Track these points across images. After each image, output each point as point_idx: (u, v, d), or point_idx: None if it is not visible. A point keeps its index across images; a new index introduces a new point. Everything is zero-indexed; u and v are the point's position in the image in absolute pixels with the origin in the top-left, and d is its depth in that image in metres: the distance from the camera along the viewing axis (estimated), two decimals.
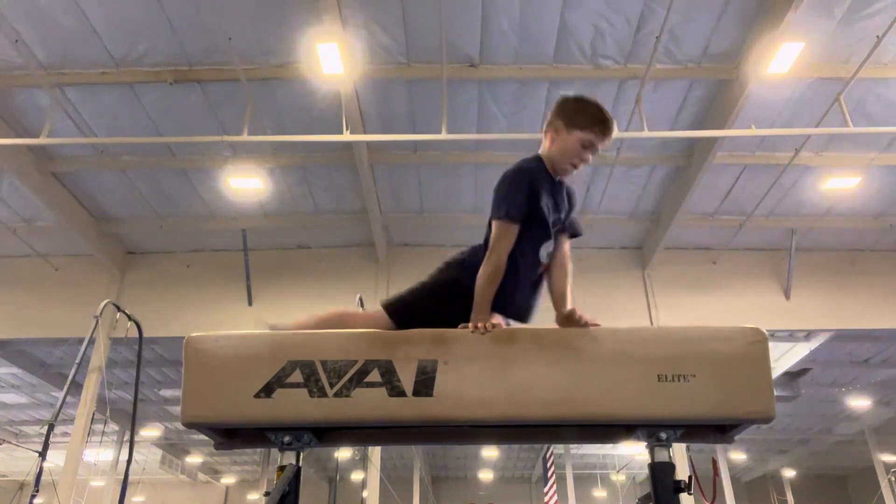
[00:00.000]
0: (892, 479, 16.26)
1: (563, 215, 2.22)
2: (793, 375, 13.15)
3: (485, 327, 1.87)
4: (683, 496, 1.84)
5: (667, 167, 9.51)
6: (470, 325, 1.92)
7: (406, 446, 17.55)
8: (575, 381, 1.81)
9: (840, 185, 9.49)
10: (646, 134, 7.61)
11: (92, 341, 6.95)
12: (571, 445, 19.09)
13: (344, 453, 15.54)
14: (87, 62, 7.59)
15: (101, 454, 14.55)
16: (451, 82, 7.59)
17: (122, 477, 7.32)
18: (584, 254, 10.97)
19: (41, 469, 6.04)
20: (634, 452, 19.07)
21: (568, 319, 1.99)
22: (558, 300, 2.19)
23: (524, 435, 2.21)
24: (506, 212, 2.03)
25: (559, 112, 2.16)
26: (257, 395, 1.80)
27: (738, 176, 9.33)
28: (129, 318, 7.23)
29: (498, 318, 2.07)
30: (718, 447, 16.72)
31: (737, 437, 2.00)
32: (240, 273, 10.63)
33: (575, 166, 2.13)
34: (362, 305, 8.46)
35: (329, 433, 2.01)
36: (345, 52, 6.99)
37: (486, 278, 2.01)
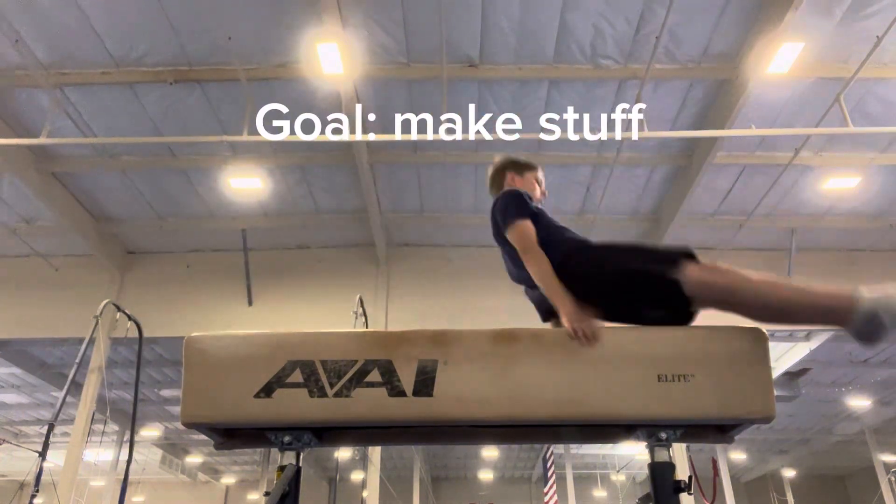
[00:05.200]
0: (892, 479, 16.27)
1: None
2: (793, 375, 13.15)
3: (585, 333, 1.79)
4: (683, 496, 1.84)
5: (667, 167, 9.51)
6: (569, 326, 1.83)
7: (406, 446, 17.55)
8: (575, 381, 1.81)
9: (840, 185, 9.48)
10: (646, 134, 7.60)
11: (92, 341, 6.96)
12: (571, 445, 19.09)
13: (344, 453, 15.53)
14: (87, 62, 7.58)
15: (101, 454, 14.54)
16: (451, 82, 7.59)
17: (122, 477, 7.33)
18: None
19: (41, 469, 6.05)
20: (634, 452, 19.07)
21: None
22: None
23: (524, 435, 2.21)
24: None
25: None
26: (257, 395, 1.79)
27: (738, 176, 9.33)
28: (129, 318, 7.24)
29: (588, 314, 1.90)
30: (718, 447, 16.72)
31: (737, 437, 2.00)
32: (240, 273, 10.63)
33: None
34: (362, 305, 8.47)
35: (329, 433, 2.01)
36: (345, 52, 6.99)
37: (542, 273, 2.00)
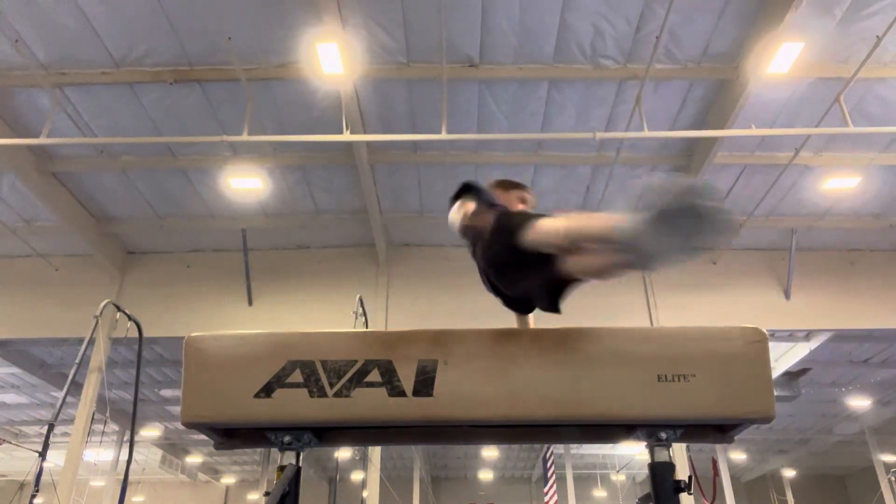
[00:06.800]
0: (892, 479, 16.26)
1: None
2: (793, 375, 13.13)
3: None
4: (683, 496, 1.84)
5: (667, 167, 9.50)
6: None
7: (406, 446, 17.55)
8: (575, 381, 1.81)
9: (840, 185, 9.49)
10: (646, 134, 7.61)
11: (92, 341, 6.96)
12: (571, 445, 19.09)
13: (344, 453, 15.54)
14: (87, 62, 7.59)
15: (101, 454, 14.54)
16: (451, 82, 7.59)
17: (122, 477, 7.34)
18: None
19: (41, 469, 6.05)
20: (634, 452, 19.07)
21: None
22: None
23: (524, 435, 2.21)
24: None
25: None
26: (257, 395, 1.80)
27: (738, 176, 9.33)
28: (129, 318, 7.25)
29: None
30: (718, 447, 16.72)
31: (737, 437, 2.01)
32: (240, 273, 10.63)
33: None
34: (362, 305, 8.47)
35: (329, 433, 2.01)
36: (345, 52, 6.99)
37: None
